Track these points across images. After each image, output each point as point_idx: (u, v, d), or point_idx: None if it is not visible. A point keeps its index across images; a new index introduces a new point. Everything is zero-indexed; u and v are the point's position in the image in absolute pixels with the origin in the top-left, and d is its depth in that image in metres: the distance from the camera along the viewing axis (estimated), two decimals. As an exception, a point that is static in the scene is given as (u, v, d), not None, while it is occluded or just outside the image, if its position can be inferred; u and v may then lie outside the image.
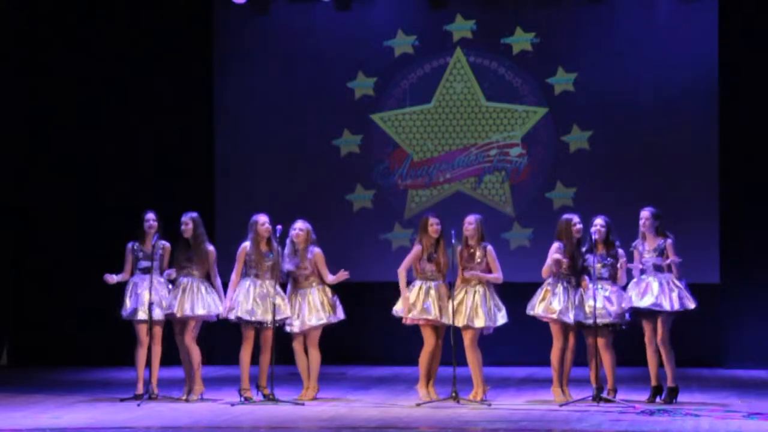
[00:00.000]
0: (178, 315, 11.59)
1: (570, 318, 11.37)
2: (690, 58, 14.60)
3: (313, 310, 11.69)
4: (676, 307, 11.20)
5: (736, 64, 14.53)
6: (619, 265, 11.41)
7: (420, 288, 11.60)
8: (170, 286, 11.81)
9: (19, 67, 15.44)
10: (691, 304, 11.25)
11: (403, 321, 11.70)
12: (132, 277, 11.90)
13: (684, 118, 14.60)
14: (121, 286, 11.94)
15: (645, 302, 11.23)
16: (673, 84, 14.63)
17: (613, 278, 11.43)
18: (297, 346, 11.78)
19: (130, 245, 11.94)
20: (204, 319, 11.72)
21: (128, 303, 11.80)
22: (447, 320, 11.45)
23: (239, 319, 11.55)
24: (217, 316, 11.74)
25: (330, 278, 11.79)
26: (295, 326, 11.70)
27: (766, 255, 14.48)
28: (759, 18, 14.50)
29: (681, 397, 11.35)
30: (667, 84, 14.64)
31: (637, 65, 14.72)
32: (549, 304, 11.41)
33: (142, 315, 11.70)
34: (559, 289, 11.43)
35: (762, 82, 14.50)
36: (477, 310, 11.35)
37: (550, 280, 11.49)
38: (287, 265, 11.73)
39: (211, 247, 11.76)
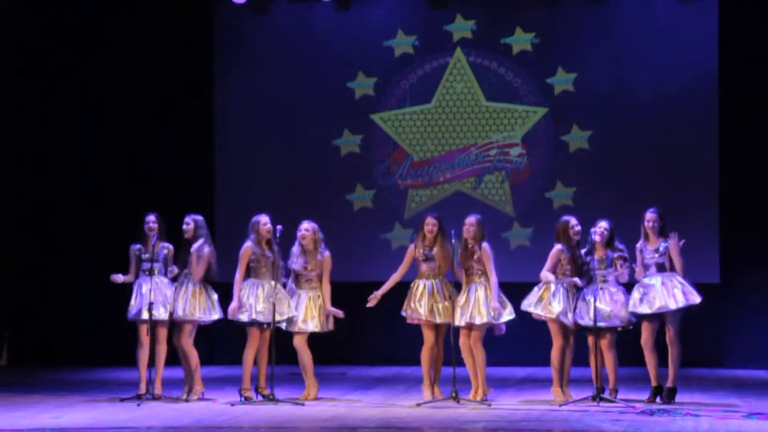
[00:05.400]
0: (164, 316, 11.59)
1: (569, 320, 11.36)
2: (690, 58, 14.61)
3: (309, 315, 11.65)
4: (682, 303, 11.16)
5: (736, 64, 14.53)
6: (618, 270, 11.36)
7: (416, 287, 11.60)
8: (173, 287, 11.80)
9: (19, 67, 15.44)
10: (697, 298, 11.21)
11: (407, 320, 11.70)
12: (137, 278, 11.91)
13: (684, 118, 14.60)
14: (126, 288, 11.96)
15: (651, 308, 11.19)
16: (673, 84, 14.63)
17: (616, 279, 11.42)
18: (300, 341, 11.73)
19: (133, 247, 11.94)
20: (200, 323, 11.71)
21: (133, 304, 11.82)
22: (441, 320, 11.44)
23: (254, 321, 11.50)
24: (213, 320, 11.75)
25: (327, 288, 11.75)
26: (292, 324, 11.65)
27: (766, 255, 14.48)
28: (759, 18, 14.50)
29: (681, 397, 11.35)
30: (667, 84, 14.65)
31: (637, 65, 14.73)
32: (548, 303, 11.40)
33: (144, 315, 11.70)
34: (559, 290, 11.41)
35: (762, 82, 14.50)
36: (479, 308, 11.34)
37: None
38: (293, 265, 11.71)
39: (206, 250, 11.66)
